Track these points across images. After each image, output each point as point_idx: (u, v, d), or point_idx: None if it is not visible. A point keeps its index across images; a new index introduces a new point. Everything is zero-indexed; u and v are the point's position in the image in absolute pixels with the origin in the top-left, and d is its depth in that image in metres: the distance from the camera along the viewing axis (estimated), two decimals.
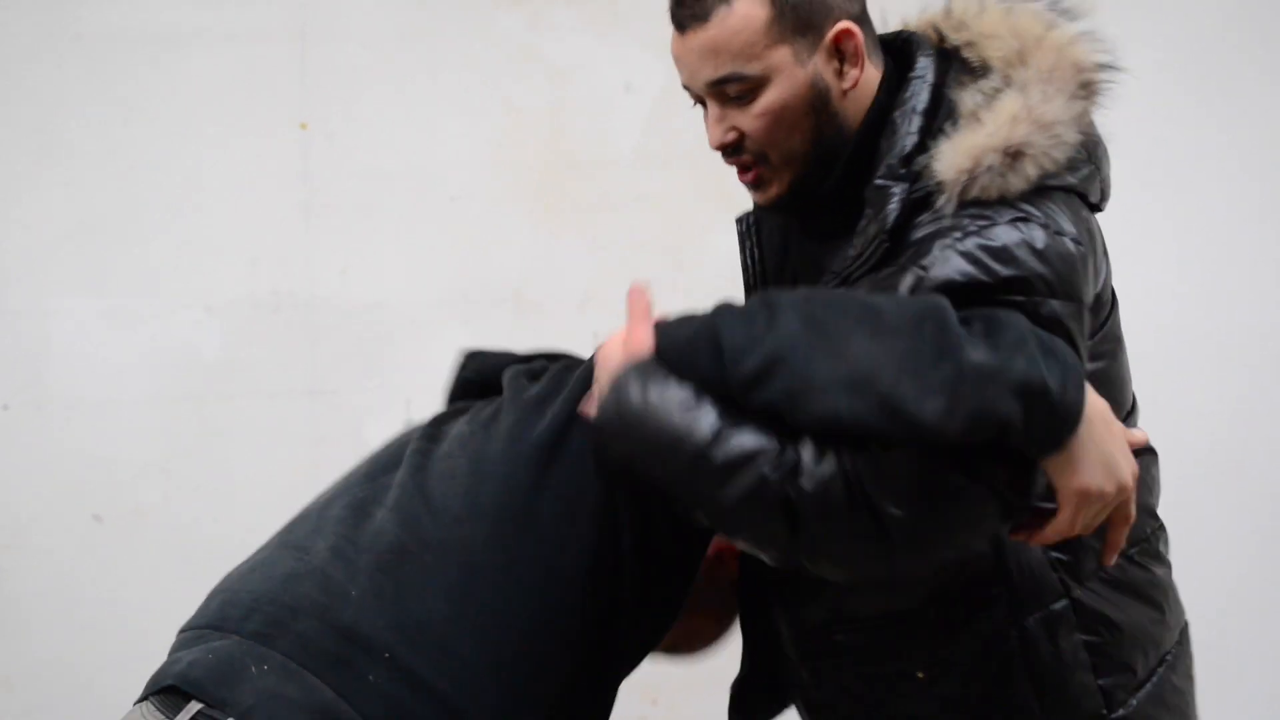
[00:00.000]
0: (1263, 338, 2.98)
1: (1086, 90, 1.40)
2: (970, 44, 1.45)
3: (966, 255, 1.30)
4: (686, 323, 1.33)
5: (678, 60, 1.45)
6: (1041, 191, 1.35)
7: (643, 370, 1.29)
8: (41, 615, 2.72)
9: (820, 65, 1.42)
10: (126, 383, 2.76)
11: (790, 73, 1.41)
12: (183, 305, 2.78)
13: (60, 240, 2.75)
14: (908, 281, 1.32)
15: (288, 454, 2.78)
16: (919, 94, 1.43)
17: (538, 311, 2.85)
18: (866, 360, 1.22)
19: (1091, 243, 1.39)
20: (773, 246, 1.61)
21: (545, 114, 2.86)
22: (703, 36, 1.40)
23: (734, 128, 1.44)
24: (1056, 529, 1.30)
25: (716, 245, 2.81)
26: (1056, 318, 1.30)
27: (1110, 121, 1.48)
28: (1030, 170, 1.34)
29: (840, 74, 1.43)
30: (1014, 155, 1.34)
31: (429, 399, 2.79)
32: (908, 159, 1.39)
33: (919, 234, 1.35)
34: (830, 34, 1.41)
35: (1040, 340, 1.23)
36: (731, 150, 1.45)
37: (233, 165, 2.79)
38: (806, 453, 1.25)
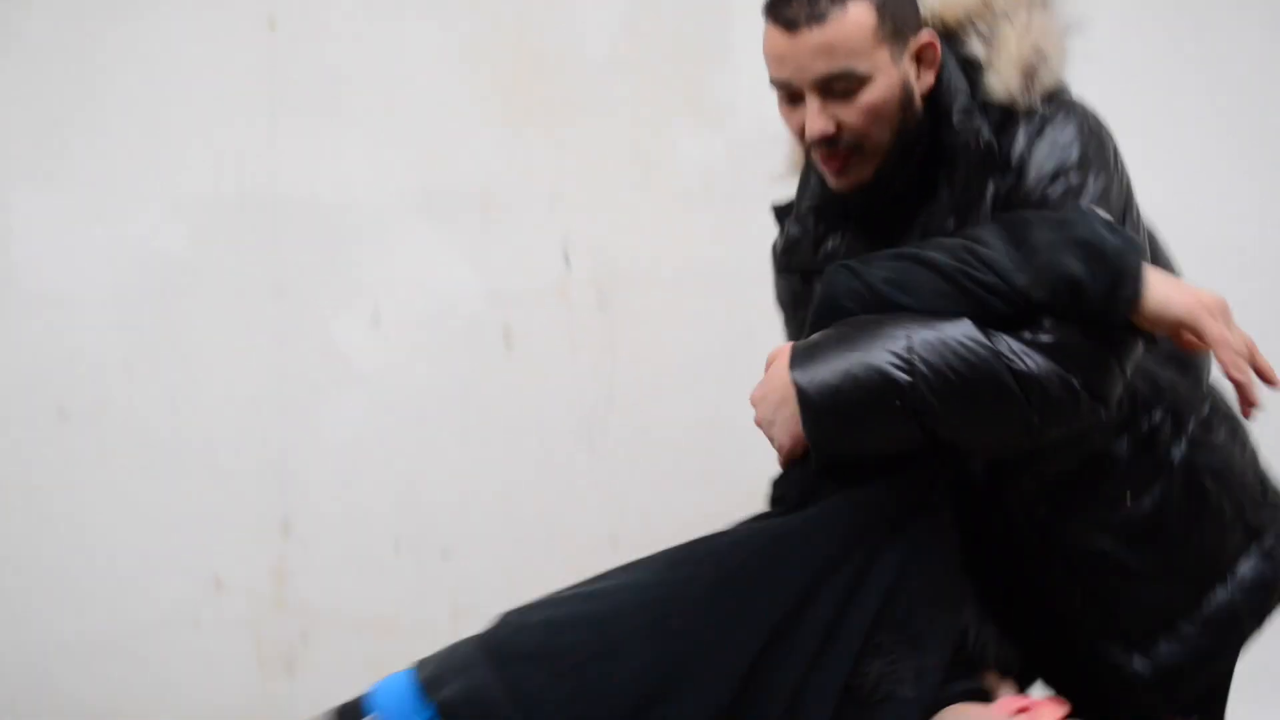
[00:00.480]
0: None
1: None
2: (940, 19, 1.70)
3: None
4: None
5: (780, 58, 1.60)
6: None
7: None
8: (4, 508, 2.74)
9: (907, 67, 1.63)
10: (89, 279, 2.75)
11: (888, 72, 1.60)
12: (147, 202, 2.76)
13: (21, 135, 2.72)
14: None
15: (252, 353, 2.78)
16: (952, 73, 1.66)
17: (505, 212, 2.84)
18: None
19: None
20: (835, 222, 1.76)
21: (515, 15, 2.83)
22: (818, 35, 1.56)
23: (835, 117, 1.60)
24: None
25: (687, 151, 2.81)
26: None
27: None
28: (1056, 64, 1.64)
29: (919, 77, 1.65)
30: (1040, 55, 1.62)
31: (394, 300, 2.80)
32: (970, 105, 1.63)
33: (1020, 142, 1.60)
34: (916, 42, 1.63)
35: (1102, 220, 1.50)
36: (829, 141, 1.61)
37: (200, 63, 2.76)
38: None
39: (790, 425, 1.53)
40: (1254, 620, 1.73)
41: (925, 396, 1.46)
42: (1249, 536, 1.72)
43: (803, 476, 1.60)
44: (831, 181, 1.67)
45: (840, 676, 1.53)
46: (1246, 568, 1.72)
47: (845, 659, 1.54)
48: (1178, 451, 1.69)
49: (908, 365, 1.45)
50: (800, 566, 1.55)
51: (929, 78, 1.66)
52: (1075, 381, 1.46)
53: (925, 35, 1.64)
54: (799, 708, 1.54)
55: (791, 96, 1.63)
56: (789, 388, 1.51)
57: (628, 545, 2.07)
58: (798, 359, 1.51)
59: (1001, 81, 1.62)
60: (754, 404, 1.59)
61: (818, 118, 1.60)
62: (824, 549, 1.55)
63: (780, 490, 1.66)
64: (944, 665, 1.61)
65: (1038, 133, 1.60)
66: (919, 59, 1.64)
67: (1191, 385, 1.71)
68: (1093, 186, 1.56)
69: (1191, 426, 1.70)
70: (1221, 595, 1.71)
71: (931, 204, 1.66)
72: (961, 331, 1.46)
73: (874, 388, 1.46)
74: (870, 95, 1.59)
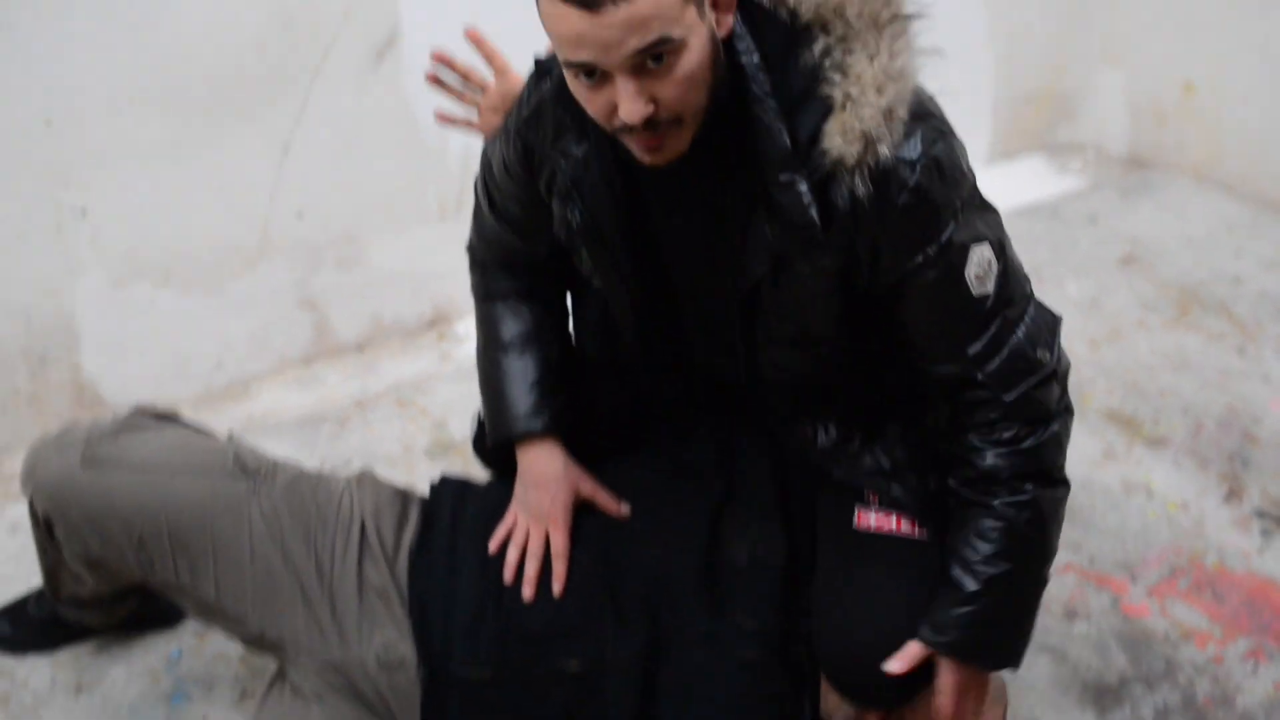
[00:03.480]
0: None
1: (905, 19, 1.48)
2: None
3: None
4: None
5: (578, 38, 1.37)
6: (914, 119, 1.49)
7: None
8: None
9: (709, 16, 1.43)
10: None
11: (698, 30, 1.40)
12: None
13: None
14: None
15: None
16: (756, 75, 1.48)
17: None
18: None
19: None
20: (602, 205, 1.64)
21: None
22: (626, 9, 1.33)
23: (653, 97, 1.41)
24: None
25: None
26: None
27: None
28: (903, 114, 1.46)
29: (719, 22, 1.45)
30: (888, 114, 1.45)
31: None
32: (795, 151, 1.47)
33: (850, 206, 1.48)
34: None
35: None
36: (648, 122, 1.42)
37: None
38: None
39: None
40: None
41: None
42: None
43: None
44: (644, 158, 1.49)
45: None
46: None
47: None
48: None
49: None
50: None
51: (728, 20, 1.47)
52: None
53: None
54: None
55: (591, 75, 1.42)
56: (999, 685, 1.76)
57: None
58: (984, 657, 1.69)
59: (841, 144, 1.45)
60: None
61: (634, 101, 1.40)
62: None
63: None
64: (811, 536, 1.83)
65: (879, 215, 1.49)
66: (715, 3, 1.44)
67: None
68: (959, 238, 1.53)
69: None
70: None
71: (729, 185, 1.55)
72: None
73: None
74: (686, 62, 1.39)
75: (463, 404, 2.89)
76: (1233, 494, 2.58)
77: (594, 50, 1.37)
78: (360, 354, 3.18)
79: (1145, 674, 2.17)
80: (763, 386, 1.76)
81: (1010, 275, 1.60)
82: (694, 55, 1.40)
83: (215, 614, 1.85)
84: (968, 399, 1.63)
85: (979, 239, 1.55)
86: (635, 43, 1.35)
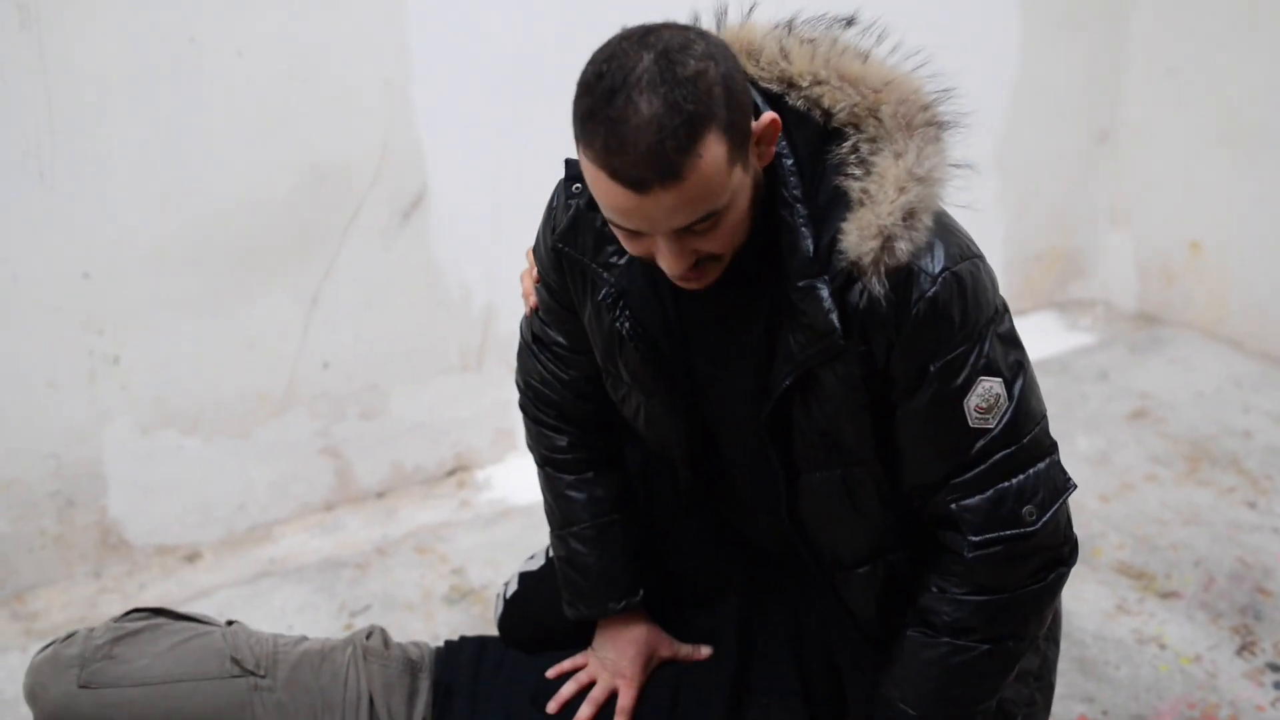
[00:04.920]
0: None
1: (939, 126, 1.48)
2: (801, 93, 1.48)
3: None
4: None
5: (626, 213, 1.37)
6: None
7: None
8: None
9: (753, 162, 1.44)
10: None
11: (743, 183, 1.41)
12: None
13: None
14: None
15: None
16: (787, 180, 1.47)
17: None
18: None
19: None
20: (650, 310, 1.63)
21: None
22: (675, 193, 1.33)
23: (695, 251, 1.43)
24: None
25: None
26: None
27: None
28: (927, 221, 1.44)
29: (760, 156, 1.46)
30: (909, 214, 1.42)
31: None
32: (815, 256, 1.46)
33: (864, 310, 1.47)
34: (757, 131, 1.42)
35: None
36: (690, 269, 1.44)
37: None
38: None
39: None
40: None
41: None
42: None
43: None
44: (683, 285, 1.50)
45: None
46: None
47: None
48: None
49: None
50: None
51: (771, 151, 1.46)
52: None
53: (764, 119, 1.42)
54: None
55: (630, 235, 1.44)
56: None
57: None
58: None
59: (857, 241, 1.43)
60: None
61: (677, 259, 1.42)
62: None
63: None
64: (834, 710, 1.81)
65: (895, 319, 1.46)
66: (758, 141, 1.43)
67: None
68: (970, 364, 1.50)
69: None
70: None
71: (757, 291, 1.54)
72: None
73: None
74: (730, 220, 1.40)
75: (481, 551, 2.93)
76: (1245, 647, 2.58)
77: (640, 223, 1.38)
78: (381, 501, 3.22)
79: None
80: (802, 528, 1.72)
81: (1021, 419, 1.54)
82: (737, 211, 1.41)
83: None
84: (937, 540, 1.61)
85: (993, 372, 1.51)
86: (682, 220, 1.37)
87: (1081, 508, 3.08)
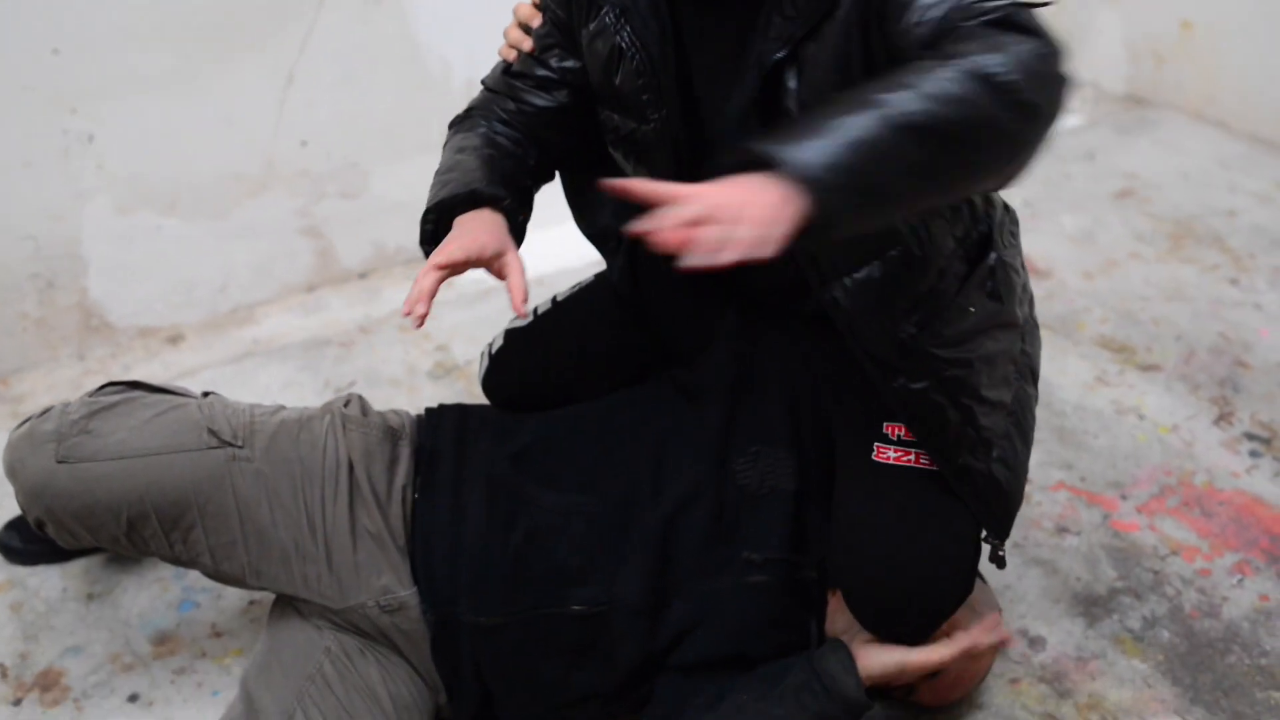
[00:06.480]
0: None
1: None
2: None
3: None
4: None
5: None
6: None
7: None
8: None
9: None
10: None
11: None
12: None
13: None
14: None
15: None
16: None
17: None
18: None
19: None
20: (652, 32, 1.65)
21: None
22: None
23: None
24: None
25: None
26: None
27: None
28: None
29: None
30: None
31: None
32: None
33: None
34: None
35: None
36: None
37: None
38: None
39: (770, 225, 1.24)
40: None
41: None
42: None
43: None
44: None
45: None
46: None
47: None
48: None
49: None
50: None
51: None
52: None
53: None
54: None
55: None
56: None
57: None
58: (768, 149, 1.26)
59: None
60: (705, 216, 1.26)
61: None
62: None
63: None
64: (823, 461, 1.84)
65: None
66: None
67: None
68: None
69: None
70: None
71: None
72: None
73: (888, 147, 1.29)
74: None
75: (465, 329, 2.93)
76: (1223, 417, 2.62)
77: None
78: (363, 281, 3.21)
79: (1134, 586, 2.22)
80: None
81: None
82: None
83: (217, 577, 1.87)
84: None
85: None
86: None
87: (1065, 284, 3.09)
